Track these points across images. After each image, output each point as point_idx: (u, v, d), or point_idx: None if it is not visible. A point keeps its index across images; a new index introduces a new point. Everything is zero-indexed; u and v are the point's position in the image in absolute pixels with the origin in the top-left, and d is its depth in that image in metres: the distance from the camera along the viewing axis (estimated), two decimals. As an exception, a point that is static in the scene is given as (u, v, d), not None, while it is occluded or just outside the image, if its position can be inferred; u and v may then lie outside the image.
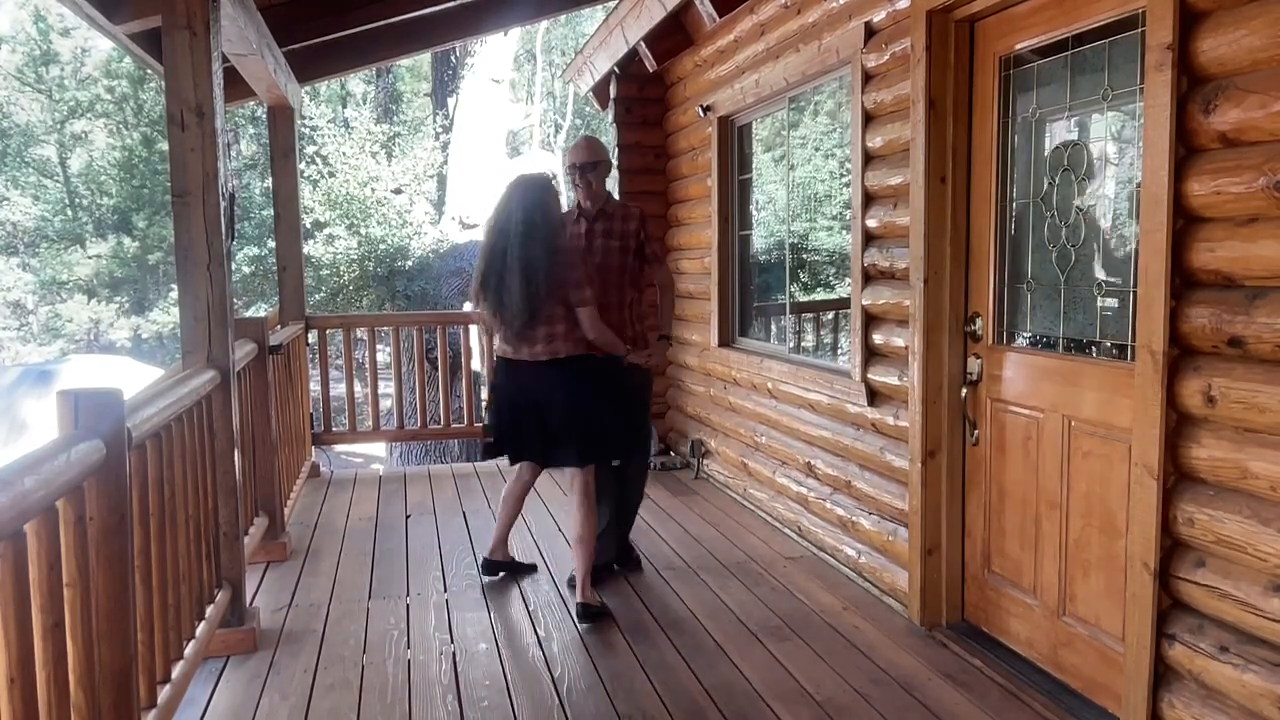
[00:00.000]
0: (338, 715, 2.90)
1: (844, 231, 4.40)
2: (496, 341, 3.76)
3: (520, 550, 4.47)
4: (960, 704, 2.91)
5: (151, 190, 18.97)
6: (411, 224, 11.85)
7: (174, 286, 7.28)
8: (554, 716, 2.89)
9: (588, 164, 3.93)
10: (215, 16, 3.18)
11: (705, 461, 5.87)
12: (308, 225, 11.68)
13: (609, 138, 6.45)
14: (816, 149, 4.87)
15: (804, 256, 5.01)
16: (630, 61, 6.17)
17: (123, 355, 16.52)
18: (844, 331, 4.49)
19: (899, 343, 3.63)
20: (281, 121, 5.58)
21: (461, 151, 11.44)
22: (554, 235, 3.61)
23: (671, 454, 6.36)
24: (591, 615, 3.59)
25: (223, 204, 3.22)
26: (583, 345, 3.63)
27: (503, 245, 3.56)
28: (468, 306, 10.95)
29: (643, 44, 5.75)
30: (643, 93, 6.41)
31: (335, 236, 11.70)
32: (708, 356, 5.72)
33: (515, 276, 3.51)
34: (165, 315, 18.56)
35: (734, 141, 5.44)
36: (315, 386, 6.53)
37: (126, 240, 19.21)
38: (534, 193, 3.62)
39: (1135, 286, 2.53)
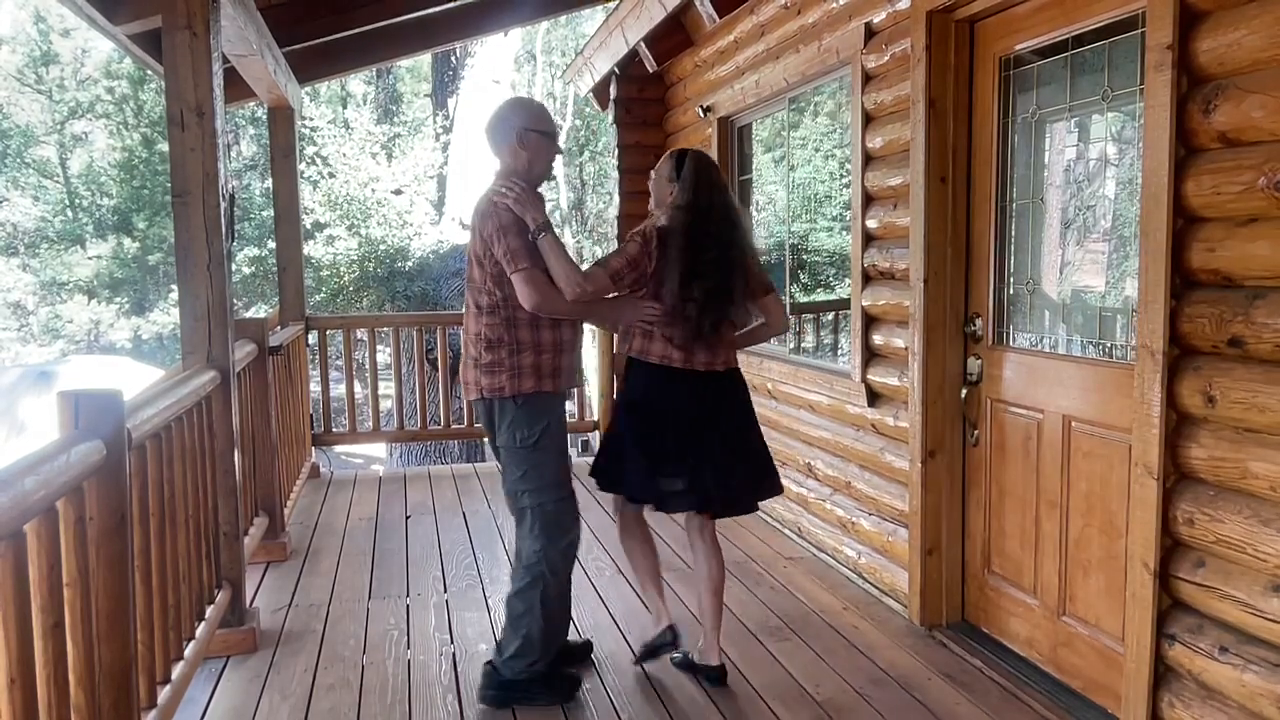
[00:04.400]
0: (338, 715, 2.90)
1: (844, 232, 4.40)
2: (647, 344, 2.96)
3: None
4: (960, 704, 2.91)
5: (151, 191, 18.97)
6: (411, 225, 11.85)
7: (174, 287, 7.28)
8: (553, 716, 2.89)
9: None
10: (215, 17, 3.19)
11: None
12: (308, 226, 11.68)
13: (609, 138, 6.45)
14: (816, 149, 4.87)
15: (804, 257, 5.00)
16: (630, 62, 6.17)
17: (123, 356, 16.50)
18: (844, 332, 4.48)
19: (899, 343, 3.63)
20: (281, 122, 5.59)
21: (461, 152, 11.45)
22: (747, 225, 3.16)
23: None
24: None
25: (223, 204, 3.22)
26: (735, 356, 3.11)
27: (721, 231, 2.92)
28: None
29: (643, 44, 5.76)
30: (643, 93, 6.42)
31: (335, 237, 11.71)
32: (708, 357, 5.71)
33: (738, 272, 2.94)
34: (165, 316, 18.56)
35: (734, 142, 5.44)
36: (315, 387, 6.53)
37: (126, 241, 19.22)
38: (719, 174, 3.08)
39: (1135, 286, 2.53)
